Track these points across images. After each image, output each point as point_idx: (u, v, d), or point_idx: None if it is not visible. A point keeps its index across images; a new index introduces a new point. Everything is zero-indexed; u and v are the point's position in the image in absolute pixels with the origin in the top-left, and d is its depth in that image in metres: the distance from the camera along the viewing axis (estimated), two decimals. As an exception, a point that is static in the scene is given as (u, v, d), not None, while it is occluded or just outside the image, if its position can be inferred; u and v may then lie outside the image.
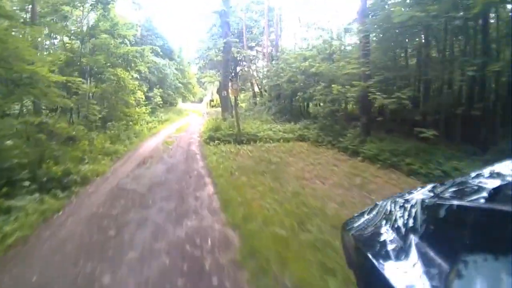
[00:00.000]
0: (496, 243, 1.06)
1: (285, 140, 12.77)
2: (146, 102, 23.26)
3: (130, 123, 15.57)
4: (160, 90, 26.50)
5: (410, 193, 1.69)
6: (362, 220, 1.91)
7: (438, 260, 1.23)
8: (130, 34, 16.56)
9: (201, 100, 64.71)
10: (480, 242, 1.13)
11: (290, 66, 18.64)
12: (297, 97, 17.27)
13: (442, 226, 1.40)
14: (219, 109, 39.63)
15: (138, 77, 20.95)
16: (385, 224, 1.66)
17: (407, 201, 1.60)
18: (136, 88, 18.18)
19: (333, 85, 11.88)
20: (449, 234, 1.33)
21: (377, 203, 1.85)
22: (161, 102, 25.45)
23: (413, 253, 1.39)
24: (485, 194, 1.29)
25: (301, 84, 16.69)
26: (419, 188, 1.69)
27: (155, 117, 22.38)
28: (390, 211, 1.70)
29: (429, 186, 1.63)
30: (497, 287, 0.93)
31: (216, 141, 12.04)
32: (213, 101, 54.42)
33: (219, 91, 21.75)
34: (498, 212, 1.15)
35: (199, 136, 15.29)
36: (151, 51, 19.81)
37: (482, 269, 1.02)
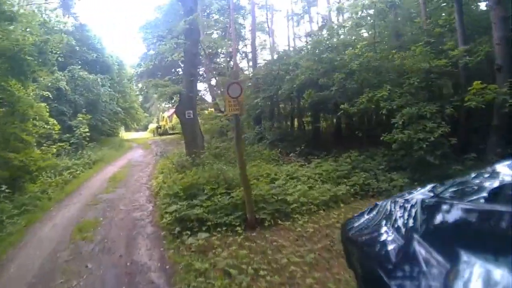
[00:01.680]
0: (496, 243, 1.12)
1: (342, 201, 8.10)
2: (68, 136, 17.51)
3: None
4: (88, 116, 20.59)
5: (410, 193, 1.70)
6: (362, 220, 1.86)
7: (438, 260, 1.24)
8: (29, 18, 11.63)
9: (146, 128, 60.55)
10: (480, 242, 1.17)
11: (317, 58, 13.74)
12: (341, 111, 11.91)
13: (442, 226, 1.39)
14: (172, 136, 37.03)
15: (51, 96, 16.58)
16: (385, 224, 1.60)
17: (407, 201, 1.56)
18: (42, 112, 12.89)
19: (474, 82, 8.27)
20: (449, 234, 1.32)
21: (377, 203, 1.86)
22: (88, 133, 19.36)
23: (413, 253, 1.36)
24: (485, 194, 1.30)
25: (340, 88, 11.90)
26: (419, 188, 1.70)
27: (78, 158, 16.03)
28: (390, 211, 1.64)
29: (429, 186, 1.64)
30: (497, 287, 0.99)
31: (199, 232, 6.41)
32: (160, 128, 47.61)
33: (178, 111, 14.61)
34: (498, 212, 1.19)
35: (149, 199, 9.94)
36: (58, 49, 14.15)
37: (482, 269, 1.07)
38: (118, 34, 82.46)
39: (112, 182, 12.44)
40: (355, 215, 1.98)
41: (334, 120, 15.95)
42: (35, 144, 12.08)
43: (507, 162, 1.38)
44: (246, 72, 31.17)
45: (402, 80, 10.68)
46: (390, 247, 1.40)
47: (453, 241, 1.19)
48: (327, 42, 14.55)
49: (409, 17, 14.40)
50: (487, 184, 1.31)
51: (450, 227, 1.28)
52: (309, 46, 15.44)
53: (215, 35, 28.36)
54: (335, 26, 19.13)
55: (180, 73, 29.63)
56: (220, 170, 8.71)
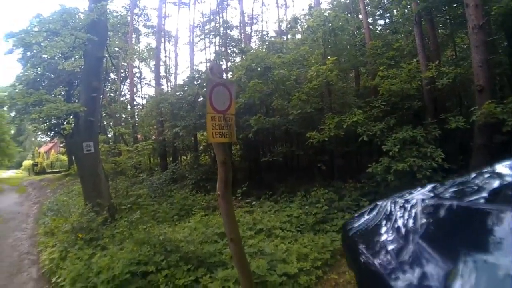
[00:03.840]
0: (496, 243, 1.09)
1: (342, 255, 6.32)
2: None
3: None
4: None
5: (410, 193, 1.58)
6: (362, 220, 1.75)
7: (438, 260, 1.19)
8: None
9: (20, 165, 53.06)
10: (480, 242, 1.13)
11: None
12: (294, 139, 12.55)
13: (442, 226, 1.33)
14: (51, 176, 32.53)
15: None
16: (385, 224, 1.50)
17: (407, 201, 1.45)
18: None
19: (486, 103, 7.83)
20: (449, 234, 1.26)
21: (377, 203, 1.80)
22: None
23: (413, 253, 1.29)
24: (485, 194, 1.26)
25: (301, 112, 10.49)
26: (419, 188, 1.61)
27: None
28: (390, 211, 1.52)
29: (429, 186, 1.57)
30: (497, 287, 0.98)
31: None
32: (37, 165, 41.03)
33: (72, 142, 11.35)
34: (497, 212, 1.14)
35: None
36: None
37: (482, 269, 1.04)
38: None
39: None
40: (356, 215, 1.99)
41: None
42: None
43: (507, 162, 1.36)
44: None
45: (362, 103, 10.48)
46: (390, 247, 1.33)
47: (453, 241, 1.17)
48: (271, 59, 12.81)
49: (351, 41, 14.54)
50: (487, 184, 1.27)
51: (450, 227, 1.23)
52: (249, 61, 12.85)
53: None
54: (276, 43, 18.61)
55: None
56: (165, 237, 5.51)
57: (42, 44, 12.93)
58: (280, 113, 12.14)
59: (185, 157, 21.07)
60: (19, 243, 10.00)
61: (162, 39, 28.53)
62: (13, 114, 31.26)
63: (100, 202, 9.57)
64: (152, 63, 29.92)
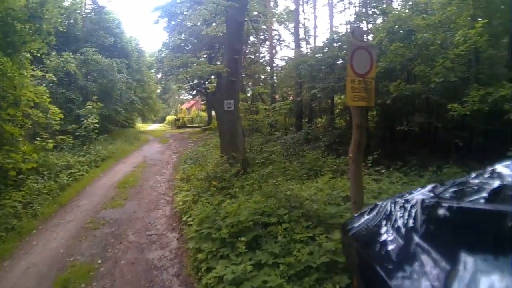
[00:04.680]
0: (496, 243, 1.10)
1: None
2: (74, 127, 15.20)
3: None
4: (100, 104, 18.17)
5: (410, 193, 1.72)
6: (362, 220, 1.85)
7: (438, 260, 1.20)
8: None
9: (163, 119, 59.75)
10: (480, 242, 1.16)
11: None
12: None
13: (442, 226, 1.39)
14: (191, 130, 35.56)
15: (56, 80, 14.94)
16: (385, 224, 1.61)
17: (407, 201, 1.57)
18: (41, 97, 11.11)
19: None
20: (449, 234, 1.30)
21: (377, 203, 1.85)
22: (98, 124, 16.73)
23: (413, 253, 1.34)
24: (485, 194, 1.29)
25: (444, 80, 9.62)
26: (419, 188, 1.73)
27: (83, 155, 13.68)
28: (390, 211, 1.65)
29: (429, 186, 1.67)
30: (497, 287, 0.96)
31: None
32: (179, 120, 45.95)
33: (214, 100, 12.44)
34: (498, 212, 1.17)
35: (172, 223, 7.61)
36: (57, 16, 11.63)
37: (482, 269, 1.04)
38: (138, 19, 79.56)
39: (122, 189, 10.81)
40: (356, 215, 1.93)
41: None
42: (20, 139, 10.29)
43: (507, 162, 1.37)
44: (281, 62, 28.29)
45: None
46: (390, 247, 1.37)
47: (453, 241, 1.18)
48: (415, 21, 12.17)
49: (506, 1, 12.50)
50: (487, 184, 1.30)
51: (450, 228, 1.26)
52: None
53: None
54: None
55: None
56: (291, 193, 5.78)
57: (185, 13, 14.19)
58: (421, 80, 11.40)
59: (320, 119, 21.05)
60: (158, 186, 11.31)
61: (300, 1, 27.41)
62: (159, 76, 34.81)
63: (235, 155, 10.14)
64: (291, 25, 29.22)
